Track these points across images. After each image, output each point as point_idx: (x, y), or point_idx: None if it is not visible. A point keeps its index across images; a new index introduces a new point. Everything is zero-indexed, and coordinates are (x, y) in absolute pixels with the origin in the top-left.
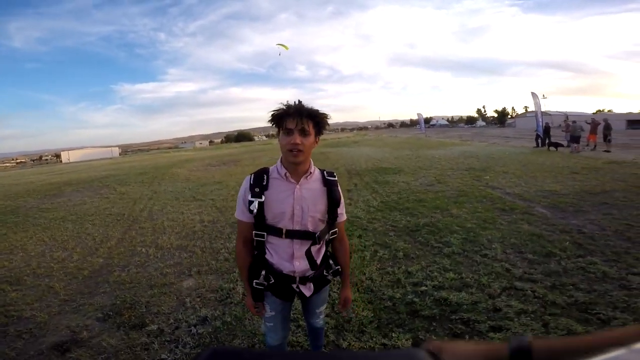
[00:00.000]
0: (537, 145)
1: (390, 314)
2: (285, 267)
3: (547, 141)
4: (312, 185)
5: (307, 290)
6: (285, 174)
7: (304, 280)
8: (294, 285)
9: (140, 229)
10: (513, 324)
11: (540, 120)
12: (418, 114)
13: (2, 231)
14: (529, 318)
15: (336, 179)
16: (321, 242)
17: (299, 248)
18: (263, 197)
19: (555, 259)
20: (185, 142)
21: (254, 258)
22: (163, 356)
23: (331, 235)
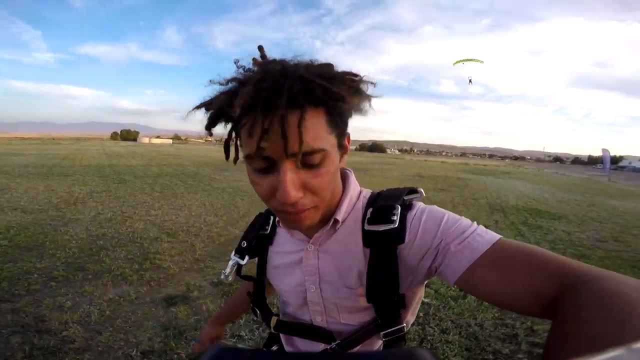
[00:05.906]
0: None
1: None
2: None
3: None
4: (339, 244)
5: None
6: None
7: None
8: None
9: None
10: None
11: None
12: (603, 150)
13: (181, 190)
14: None
15: (393, 225)
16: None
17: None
18: (245, 260)
19: None
20: None
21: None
22: (242, 333)
23: (394, 338)
